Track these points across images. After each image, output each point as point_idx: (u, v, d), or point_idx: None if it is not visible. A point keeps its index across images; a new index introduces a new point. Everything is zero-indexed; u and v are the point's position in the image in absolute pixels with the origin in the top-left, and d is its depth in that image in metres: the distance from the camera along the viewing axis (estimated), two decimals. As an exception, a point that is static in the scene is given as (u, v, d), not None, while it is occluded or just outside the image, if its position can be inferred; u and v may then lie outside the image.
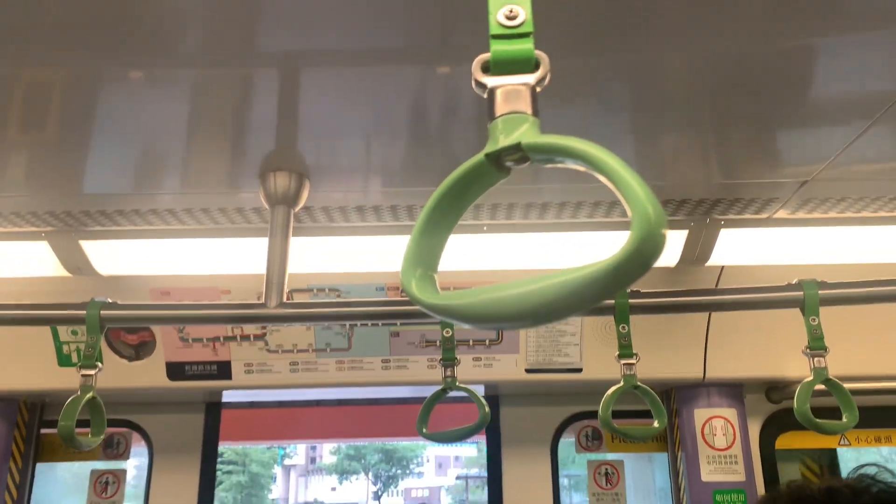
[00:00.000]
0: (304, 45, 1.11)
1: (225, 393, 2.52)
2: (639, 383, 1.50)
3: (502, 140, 0.49)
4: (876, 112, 1.32)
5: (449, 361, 1.54)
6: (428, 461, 27.20)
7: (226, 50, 1.11)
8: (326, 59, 1.15)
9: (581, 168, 0.45)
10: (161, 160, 1.51)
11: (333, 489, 25.97)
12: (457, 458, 28.10)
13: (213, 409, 2.60)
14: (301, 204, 1.58)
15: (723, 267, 2.18)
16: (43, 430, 2.54)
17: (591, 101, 1.31)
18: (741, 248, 2.03)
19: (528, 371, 2.30)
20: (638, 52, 1.14)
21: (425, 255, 0.53)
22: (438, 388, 1.56)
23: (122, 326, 2.16)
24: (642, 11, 1.02)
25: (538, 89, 0.50)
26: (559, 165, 0.48)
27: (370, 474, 25.22)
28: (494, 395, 2.57)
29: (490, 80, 0.51)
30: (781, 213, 1.83)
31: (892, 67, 1.20)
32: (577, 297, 0.44)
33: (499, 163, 0.50)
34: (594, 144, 0.44)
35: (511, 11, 0.50)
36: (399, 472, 25.59)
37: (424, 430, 1.54)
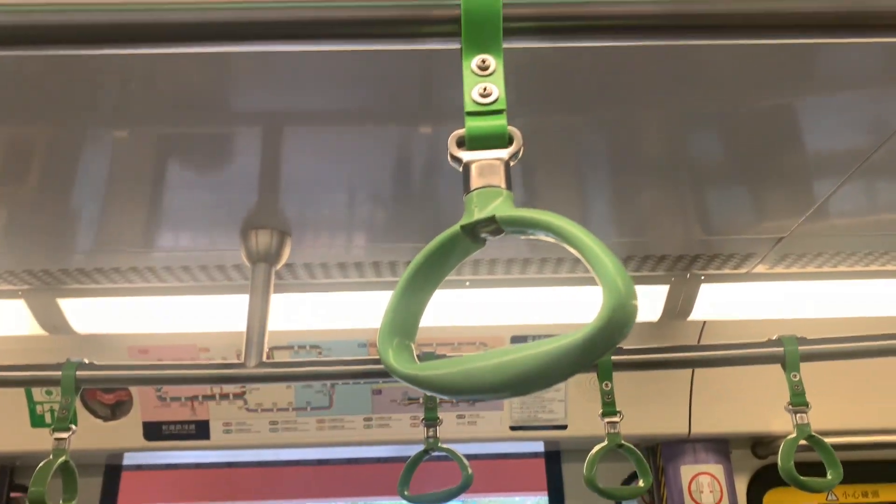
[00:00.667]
0: (286, 105, 1.13)
1: (126, 455, 2.43)
2: (623, 442, 1.49)
3: (477, 213, 0.50)
4: (847, 170, 1.35)
5: (431, 421, 1.51)
6: (412, 519, 26.53)
7: (208, 109, 1.13)
8: (308, 118, 1.16)
9: (552, 240, 0.47)
10: (142, 218, 1.50)
11: (315, 550, 25.16)
12: (442, 515, 27.43)
13: (112, 472, 2.49)
14: (282, 262, 1.58)
15: (705, 322, 2.19)
16: (13, 494, 2.45)
17: (571, 158, 1.34)
18: (722, 303, 2.04)
19: (512, 428, 2.28)
20: (617, 111, 1.17)
21: (402, 325, 0.53)
22: (421, 448, 1.53)
23: (97, 387, 2.12)
24: (622, 72, 1.05)
25: (512, 163, 0.52)
26: (531, 237, 0.49)
27: (353, 533, 24.50)
28: (556, 451, 2.53)
29: (465, 155, 0.52)
30: (760, 268, 1.85)
31: (861, 127, 1.23)
32: (553, 369, 0.45)
33: (474, 234, 0.51)
34: (565, 219, 0.45)
35: (485, 89, 0.52)
36: (383, 530, 24.89)
37: (406, 493, 1.51)
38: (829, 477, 1.42)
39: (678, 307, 1.99)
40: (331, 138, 1.22)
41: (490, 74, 0.52)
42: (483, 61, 0.52)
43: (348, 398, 2.21)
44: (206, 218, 1.52)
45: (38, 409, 2.18)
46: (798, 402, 1.44)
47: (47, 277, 1.75)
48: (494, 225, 0.50)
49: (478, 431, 2.26)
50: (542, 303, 2.00)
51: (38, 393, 2.17)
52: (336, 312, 2.00)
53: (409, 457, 1.56)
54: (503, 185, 0.50)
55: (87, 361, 1.50)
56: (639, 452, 1.51)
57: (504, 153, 0.51)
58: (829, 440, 1.45)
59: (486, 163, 0.51)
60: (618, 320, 0.42)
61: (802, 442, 1.44)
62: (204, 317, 1.98)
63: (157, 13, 0.56)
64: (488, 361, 0.47)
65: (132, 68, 1.01)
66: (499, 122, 0.51)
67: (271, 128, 1.19)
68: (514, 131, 0.52)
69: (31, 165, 1.28)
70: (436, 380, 0.48)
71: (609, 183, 1.44)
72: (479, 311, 2.05)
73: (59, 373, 1.47)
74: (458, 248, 0.52)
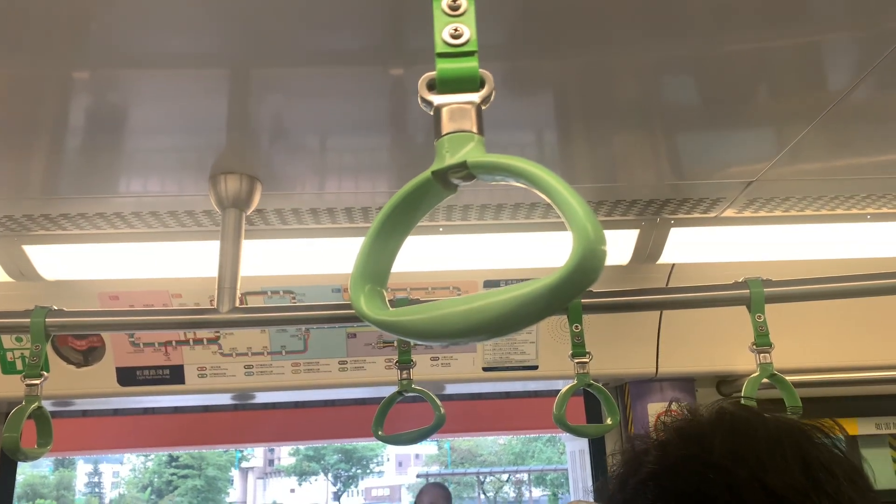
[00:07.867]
0: (255, 46, 1.09)
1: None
2: (592, 381, 1.52)
3: (448, 158, 0.49)
4: (815, 116, 1.36)
5: (405, 364, 1.53)
6: (388, 460, 27.08)
7: (174, 50, 1.09)
8: (277, 60, 1.13)
9: (523, 185, 0.46)
10: (108, 163, 1.47)
11: (293, 491, 25.65)
12: (417, 455, 28.06)
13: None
14: (253, 207, 1.56)
15: (673, 264, 2.23)
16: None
17: (543, 104, 1.33)
18: (691, 246, 2.07)
19: (484, 369, 2.32)
20: (588, 56, 1.16)
21: (374, 271, 0.53)
22: (395, 390, 1.56)
23: (68, 333, 2.10)
24: (593, 15, 1.04)
25: (483, 107, 0.51)
26: (502, 183, 0.48)
27: (329, 475, 25.02)
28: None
29: (436, 98, 0.51)
30: (729, 213, 1.88)
31: (828, 73, 1.24)
32: (523, 313, 0.45)
33: (445, 180, 0.51)
34: (536, 165, 0.45)
35: (456, 30, 0.50)
36: (359, 471, 25.44)
37: (380, 433, 1.54)
38: (788, 413, 1.47)
39: (648, 251, 2.02)
40: (300, 81, 1.20)
41: (461, 15, 0.50)
42: (454, 0, 0.51)
43: (323, 342, 2.22)
44: (174, 162, 1.49)
45: (9, 355, 2.16)
46: (762, 342, 1.48)
47: (12, 224, 1.71)
48: (466, 170, 0.49)
49: (451, 373, 2.30)
50: (515, 248, 2.01)
51: (7, 340, 2.15)
52: (309, 258, 1.99)
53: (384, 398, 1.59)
54: (475, 129, 0.49)
55: (55, 308, 1.49)
56: (606, 391, 1.55)
57: (475, 97, 0.50)
58: (789, 378, 1.50)
59: (457, 107, 0.50)
60: (587, 265, 0.43)
61: (765, 380, 1.49)
62: (175, 263, 1.96)
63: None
64: (460, 307, 0.47)
65: (95, 8, 0.97)
66: (470, 64, 0.50)
67: (240, 70, 1.16)
68: (486, 74, 0.51)
69: (-11, 108, 1.23)
70: (408, 325, 0.49)
71: (581, 128, 1.44)
72: (452, 257, 2.06)
73: (28, 320, 1.46)
74: (429, 194, 0.52)
